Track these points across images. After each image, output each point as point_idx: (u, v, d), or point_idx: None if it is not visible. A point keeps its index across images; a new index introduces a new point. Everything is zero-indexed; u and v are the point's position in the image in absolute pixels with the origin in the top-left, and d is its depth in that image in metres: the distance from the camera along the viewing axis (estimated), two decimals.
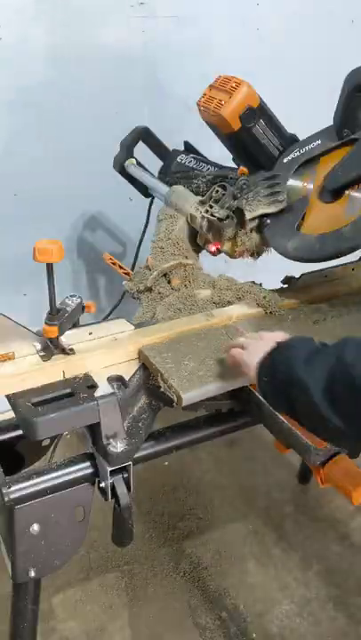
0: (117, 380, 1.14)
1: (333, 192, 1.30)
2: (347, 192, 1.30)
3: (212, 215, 1.38)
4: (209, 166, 1.58)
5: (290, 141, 1.46)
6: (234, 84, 1.39)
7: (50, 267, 1.07)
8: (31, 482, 1.08)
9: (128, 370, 1.18)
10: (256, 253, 1.43)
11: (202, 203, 1.44)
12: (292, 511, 1.97)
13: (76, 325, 1.20)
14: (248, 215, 1.34)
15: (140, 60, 2.02)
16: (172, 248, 1.46)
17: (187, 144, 1.70)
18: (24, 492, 1.07)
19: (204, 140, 1.61)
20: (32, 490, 1.07)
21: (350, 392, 0.84)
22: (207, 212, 1.40)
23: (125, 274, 1.60)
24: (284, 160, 1.42)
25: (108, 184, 1.95)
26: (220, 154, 1.57)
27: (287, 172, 1.40)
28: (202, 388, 1.10)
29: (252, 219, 1.36)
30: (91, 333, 1.21)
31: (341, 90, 1.31)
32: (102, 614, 1.65)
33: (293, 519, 1.94)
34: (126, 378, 1.15)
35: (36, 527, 1.09)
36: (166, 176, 1.64)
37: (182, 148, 1.71)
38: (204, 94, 1.44)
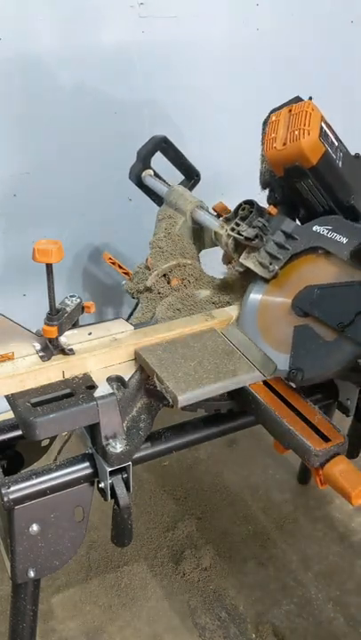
0: (117, 381, 1.15)
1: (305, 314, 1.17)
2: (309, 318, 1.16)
3: (238, 234, 1.27)
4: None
5: (343, 208, 1.27)
6: (298, 133, 1.18)
7: (49, 267, 1.07)
8: (31, 482, 1.08)
9: (128, 370, 1.18)
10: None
11: (227, 220, 1.33)
12: (292, 511, 1.97)
13: (75, 325, 1.20)
14: (242, 258, 1.29)
15: (139, 61, 2.02)
16: (172, 248, 1.46)
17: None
18: (23, 493, 1.07)
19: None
20: (31, 490, 1.07)
21: None
22: (233, 230, 1.28)
23: (125, 273, 1.60)
24: (313, 227, 1.24)
25: (107, 184, 1.96)
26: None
27: (304, 244, 1.24)
28: (198, 390, 1.10)
29: (241, 264, 1.30)
30: (90, 333, 1.21)
31: None
32: (102, 614, 1.65)
33: (293, 519, 1.94)
34: (126, 378, 1.15)
35: (35, 527, 1.09)
36: None
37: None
38: (279, 115, 1.24)
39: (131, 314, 1.46)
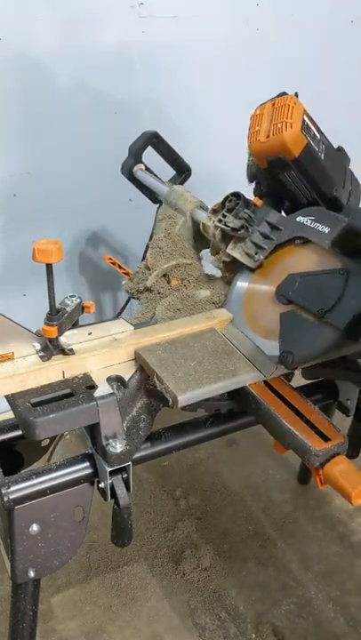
0: (117, 381, 1.15)
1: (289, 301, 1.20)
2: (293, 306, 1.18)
3: (225, 225, 1.31)
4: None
5: (326, 200, 1.30)
6: (280, 126, 1.21)
7: (49, 267, 1.07)
8: (30, 482, 1.08)
9: (128, 370, 1.18)
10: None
11: (214, 211, 1.38)
12: (292, 511, 1.97)
13: (75, 326, 1.20)
14: (229, 249, 1.32)
15: (139, 60, 2.02)
16: (172, 248, 1.46)
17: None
18: (23, 493, 1.07)
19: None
20: (31, 490, 1.07)
21: None
22: (220, 221, 1.32)
23: (125, 274, 1.60)
24: (297, 218, 1.26)
25: (107, 184, 1.95)
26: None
27: (288, 234, 1.27)
28: (198, 390, 1.10)
29: (228, 254, 1.33)
30: (90, 333, 1.21)
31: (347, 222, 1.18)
32: (102, 614, 1.65)
33: (293, 519, 1.94)
34: (126, 378, 1.15)
35: (35, 527, 1.09)
36: None
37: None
38: (262, 109, 1.27)
39: (123, 308, 1.51)
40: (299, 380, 1.32)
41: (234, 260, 1.33)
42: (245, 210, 1.30)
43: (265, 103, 1.28)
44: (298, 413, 1.14)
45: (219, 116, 2.18)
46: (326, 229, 1.20)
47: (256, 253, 1.30)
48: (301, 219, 1.26)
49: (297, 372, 1.29)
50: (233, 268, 1.37)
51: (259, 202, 1.37)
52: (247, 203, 1.32)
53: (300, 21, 2.25)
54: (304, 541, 1.87)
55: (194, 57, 2.08)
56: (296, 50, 2.27)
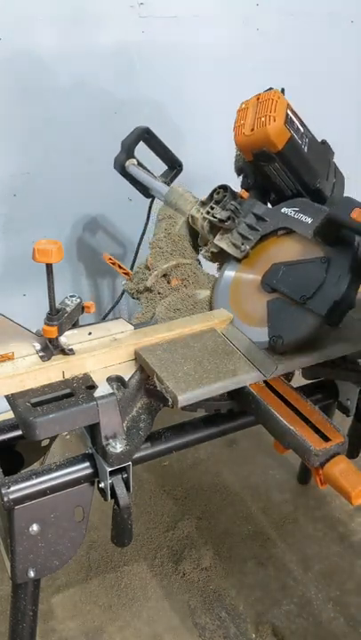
0: (117, 381, 1.15)
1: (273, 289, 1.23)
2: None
3: (213, 216, 1.37)
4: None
5: (309, 191, 1.33)
6: (264, 120, 1.24)
7: (49, 267, 1.07)
8: (30, 482, 1.08)
9: (128, 370, 1.18)
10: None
11: (203, 204, 1.43)
12: (292, 511, 1.97)
13: (75, 325, 1.20)
14: (216, 239, 1.36)
15: (139, 60, 2.03)
16: (172, 248, 1.46)
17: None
18: (23, 493, 1.07)
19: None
20: (31, 490, 1.07)
21: None
22: (208, 213, 1.38)
23: (125, 274, 1.61)
24: (283, 209, 1.29)
25: (107, 184, 1.95)
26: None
27: (273, 224, 1.30)
28: (198, 389, 1.10)
29: (215, 245, 1.37)
30: (90, 333, 1.21)
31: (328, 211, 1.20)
32: (102, 614, 1.65)
33: (293, 519, 1.94)
34: (126, 378, 1.15)
35: (35, 527, 1.09)
36: None
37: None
38: (247, 103, 1.29)
39: (116, 302, 1.62)
40: (299, 379, 1.32)
41: (221, 250, 1.37)
42: (232, 202, 1.34)
43: (250, 98, 1.31)
44: (298, 413, 1.14)
45: (219, 116, 2.17)
46: (309, 220, 1.23)
47: (242, 244, 1.34)
48: (286, 210, 1.29)
49: (297, 372, 1.29)
50: (221, 259, 1.41)
51: (245, 194, 1.40)
52: (234, 195, 1.36)
53: (300, 21, 2.25)
54: (304, 541, 1.87)
55: (194, 57, 2.08)
56: (296, 50, 2.27)
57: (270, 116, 1.23)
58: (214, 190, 1.39)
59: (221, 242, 1.36)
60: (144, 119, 1.79)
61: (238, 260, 1.35)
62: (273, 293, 1.23)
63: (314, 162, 1.33)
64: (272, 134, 1.23)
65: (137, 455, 1.16)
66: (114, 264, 1.66)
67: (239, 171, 1.44)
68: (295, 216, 1.27)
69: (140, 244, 1.82)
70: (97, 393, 1.09)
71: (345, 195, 1.37)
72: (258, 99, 1.28)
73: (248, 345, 1.21)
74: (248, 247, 1.33)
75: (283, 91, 1.31)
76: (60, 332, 1.12)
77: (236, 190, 1.40)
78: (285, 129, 1.25)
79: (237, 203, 1.35)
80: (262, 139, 1.24)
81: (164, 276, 1.44)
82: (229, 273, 1.36)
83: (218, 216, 1.35)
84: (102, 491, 1.13)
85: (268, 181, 1.34)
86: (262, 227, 1.32)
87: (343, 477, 1.04)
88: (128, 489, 1.12)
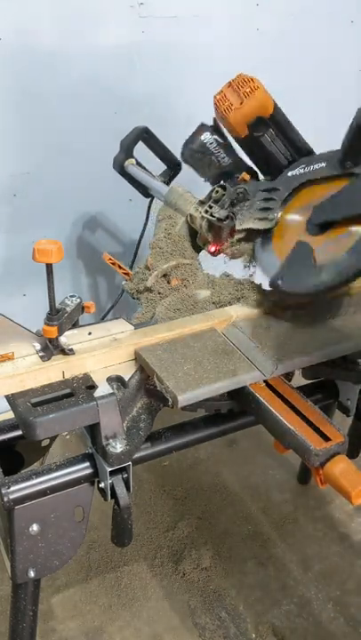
0: (117, 381, 1.15)
1: (320, 226, 1.25)
2: (333, 229, 1.24)
3: (211, 215, 1.37)
4: (226, 157, 1.50)
5: (303, 153, 1.39)
6: (248, 90, 1.32)
7: (49, 267, 1.07)
8: (31, 482, 1.08)
9: (128, 370, 1.18)
10: (249, 260, 1.42)
11: (201, 203, 1.43)
12: (292, 511, 1.97)
13: (75, 325, 1.20)
14: (237, 225, 1.34)
15: (139, 60, 2.03)
16: (172, 248, 1.46)
17: (216, 123, 1.64)
18: (23, 493, 1.07)
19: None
20: (31, 490, 1.07)
21: None
22: (207, 212, 1.38)
23: (125, 274, 1.60)
24: (289, 174, 1.36)
25: (107, 184, 1.95)
26: None
27: (287, 188, 1.34)
28: (198, 389, 1.10)
29: (241, 230, 1.36)
30: (90, 333, 1.21)
31: (351, 123, 1.25)
32: (102, 614, 1.65)
33: (293, 519, 1.94)
34: (126, 378, 1.15)
35: (35, 527, 1.09)
36: (187, 150, 1.55)
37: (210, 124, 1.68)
38: (221, 91, 1.37)
39: (116, 302, 1.63)
40: (299, 379, 1.32)
41: (247, 234, 1.36)
42: (240, 185, 1.37)
43: (221, 87, 1.38)
44: (298, 413, 1.14)
45: None
46: (323, 164, 1.29)
47: (268, 215, 1.34)
48: (292, 172, 1.35)
49: (297, 372, 1.29)
50: (246, 250, 1.40)
51: (247, 176, 1.43)
52: (231, 198, 1.37)
53: (300, 21, 2.25)
54: (304, 541, 1.87)
55: (194, 57, 2.08)
56: (296, 50, 2.27)
57: (253, 86, 1.32)
58: (213, 189, 1.39)
59: (246, 223, 1.35)
60: (144, 119, 1.80)
61: (269, 231, 1.34)
62: (318, 236, 1.23)
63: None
64: (262, 98, 1.32)
65: (137, 455, 1.16)
66: (114, 264, 1.66)
67: (218, 178, 1.47)
68: (306, 170, 1.32)
69: (139, 244, 1.82)
70: (97, 393, 1.09)
71: None
72: (230, 84, 1.37)
73: (248, 345, 1.21)
74: (276, 214, 1.33)
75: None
76: (60, 332, 1.12)
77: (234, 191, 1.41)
78: (269, 94, 1.33)
79: (243, 187, 1.37)
80: (255, 105, 1.32)
81: (164, 276, 1.44)
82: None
83: (217, 215, 1.36)
84: (102, 491, 1.13)
85: (263, 153, 1.38)
86: (277, 195, 1.34)
87: (343, 477, 1.04)
88: (128, 489, 1.12)
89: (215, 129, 1.58)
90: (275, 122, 1.35)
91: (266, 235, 1.35)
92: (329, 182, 1.28)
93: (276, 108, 1.35)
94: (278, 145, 1.37)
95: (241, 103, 1.32)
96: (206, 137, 1.54)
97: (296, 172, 1.35)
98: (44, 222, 2.07)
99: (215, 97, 1.38)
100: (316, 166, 1.32)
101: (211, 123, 1.56)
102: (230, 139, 1.46)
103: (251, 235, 1.38)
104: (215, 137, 1.54)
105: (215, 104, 1.38)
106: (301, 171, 1.34)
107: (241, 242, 1.38)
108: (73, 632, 1.61)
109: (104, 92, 2.00)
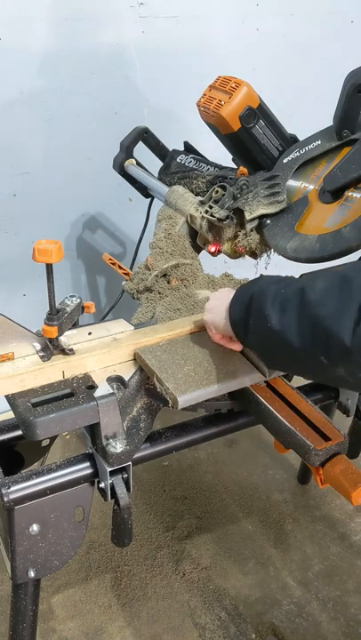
0: (117, 381, 1.15)
1: (333, 193, 1.29)
2: (347, 193, 1.28)
3: (211, 215, 1.37)
4: (209, 167, 1.58)
5: (290, 142, 1.46)
6: (234, 85, 1.39)
7: (49, 267, 1.07)
8: (31, 482, 1.08)
9: (128, 370, 1.18)
10: (257, 253, 1.43)
11: (202, 203, 1.43)
12: (292, 511, 1.97)
13: (75, 326, 1.20)
14: (248, 215, 1.34)
15: (139, 60, 2.02)
16: (172, 248, 1.46)
17: (187, 144, 1.70)
18: (23, 493, 1.07)
19: (204, 140, 1.61)
20: (31, 490, 1.07)
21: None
22: (207, 212, 1.39)
23: (125, 274, 1.61)
24: (284, 160, 1.42)
25: (107, 184, 1.96)
26: (219, 154, 1.58)
27: (287, 173, 1.40)
28: (198, 391, 1.10)
29: (252, 219, 1.35)
30: (90, 333, 1.21)
31: (341, 90, 1.30)
32: (102, 614, 1.65)
33: (293, 519, 1.94)
34: (126, 378, 1.15)
35: (35, 527, 1.09)
36: (166, 176, 1.64)
37: (182, 148, 1.71)
38: (204, 95, 1.44)
39: (116, 302, 1.65)
40: (299, 379, 1.32)
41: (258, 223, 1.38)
42: (242, 177, 1.40)
43: (203, 91, 1.45)
44: (298, 413, 1.15)
45: None
46: (318, 141, 1.37)
47: (277, 197, 1.36)
48: (287, 158, 1.42)
49: None
50: (261, 244, 1.41)
51: (245, 170, 1.47)
52: (233, 194, 1.38)
53: (300, 21, 2.25)
54: (304, 541, 1.87)
55: (194, 57, 2.08)
56: (296, 50, 2.27)
57: (236, 81, 1.40)
58: (212, 189, 1.40)
59: (257, 211, 1.35)
60: (144, 119, 1.80)
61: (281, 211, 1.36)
62: (332, 204, 1.27)
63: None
64: (248, 89, 1.39)
65: (137, 455, 1.16)
66: (114, 264, 1.66)
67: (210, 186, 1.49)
68: (302, 152, 1.39)
69: (139, 244, 1.82)
70: (97, 393, 1.09)
71: None
72: (211, 87, 1.44)
73: None
74: (284, 195, 1.36)
75: None
76: (60, 332, 1.12)
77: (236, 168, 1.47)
78: (253, 89, 1.41)
79: (245, 179, 1.39)
80: (244, 96, 1.39)
81: (164, 275, 1.44)
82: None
83: (217, 215, 1.36)
84: (102, 491, 1.13)
85: (256, 146, 1.44)
86: (280, 180, 1.38)
87: (343, 477, 1.04)
88: (128, 489, 1.12)
89: (187, 149, 1.69)
90: (262, 113, 1.42)
91: (276, 218, 1.37)
92: (330, 155, 1.35)
93: (261, 100, 1.41)
94: (269, 135, 1.44)
95: (230, 97, 1.38)
96: (182, 158, 1.64)
97: (292, 156, 1.41)
98: (44, 222, 2.07)
99: (200, 101, 1.44)
100: (311, 146, 1.39)
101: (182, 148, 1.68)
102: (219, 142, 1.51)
103: (261, 223, 1.39)
104: (191, 156, 1.63)
105: (202, 106, 1.43)
106: (297, 154, 1.40)
107: (253, 232, 1.39)
108: (73, 632, 1.61)
109: (104, 92, 2.00)
